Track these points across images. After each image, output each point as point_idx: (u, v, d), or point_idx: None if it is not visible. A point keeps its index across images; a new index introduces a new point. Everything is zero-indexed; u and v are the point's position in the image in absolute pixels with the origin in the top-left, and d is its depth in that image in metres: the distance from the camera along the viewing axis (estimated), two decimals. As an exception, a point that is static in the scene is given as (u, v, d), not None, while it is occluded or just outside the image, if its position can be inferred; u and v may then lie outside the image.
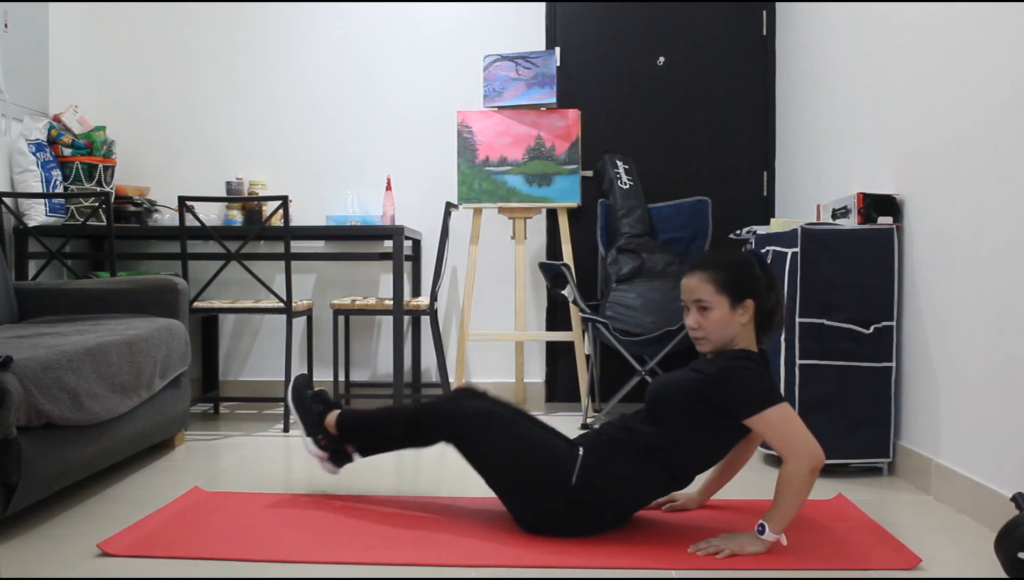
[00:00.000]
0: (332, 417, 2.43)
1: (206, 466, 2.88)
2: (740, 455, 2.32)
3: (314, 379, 4.24)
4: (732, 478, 2.37)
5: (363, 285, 4.30)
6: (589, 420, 3.65)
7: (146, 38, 4.32)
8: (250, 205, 3.95)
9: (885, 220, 2.78)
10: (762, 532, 1.96)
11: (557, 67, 4.12)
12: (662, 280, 3.68)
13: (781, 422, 1.96)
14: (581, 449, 2.10)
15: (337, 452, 2.45)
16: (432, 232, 4.26)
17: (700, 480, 2.41)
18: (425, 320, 4.23)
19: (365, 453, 2.44)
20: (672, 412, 2.06)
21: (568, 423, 3.63)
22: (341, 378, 4.23)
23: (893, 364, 2.74)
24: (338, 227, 3.78)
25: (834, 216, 2.99)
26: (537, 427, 2.24)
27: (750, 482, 2.70)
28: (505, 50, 4.23)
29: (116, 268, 3.51)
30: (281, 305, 3.55)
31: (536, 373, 4.27)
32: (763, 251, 3.00)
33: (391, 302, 3.74)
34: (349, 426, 2.41)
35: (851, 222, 2.83)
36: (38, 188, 3.55)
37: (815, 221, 3.09)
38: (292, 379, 2.54)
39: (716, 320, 2.06)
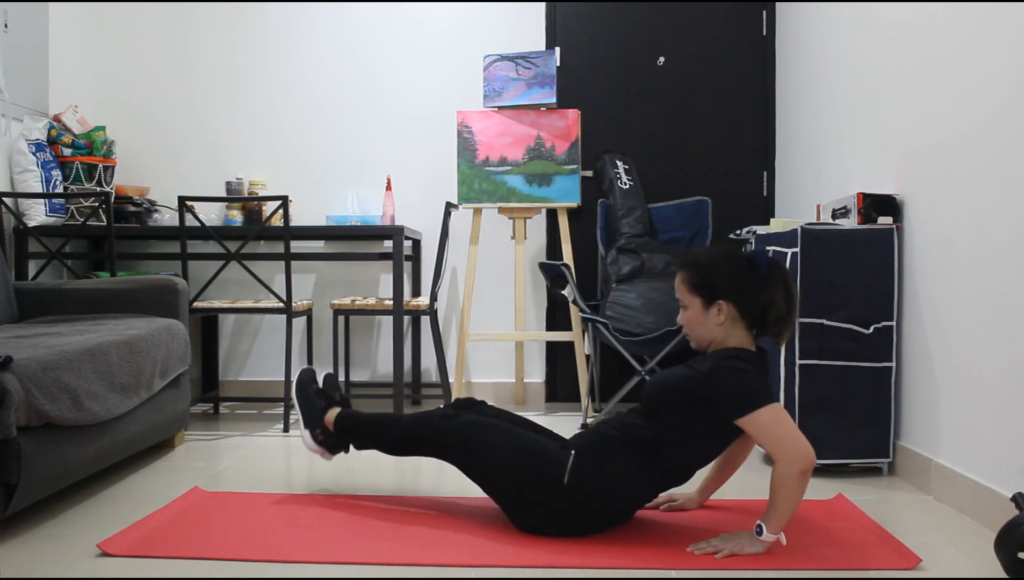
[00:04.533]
0: (332, 415, 2.49)
1: (206, 466, 2.88)
2: (738, 453, 2.32)
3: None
4: (730, 476, 2.37)
5: (363, 285, 4.30)
6: (589, 420, 3.65)
7: (146, 38, 4.32)
8: (250, 205, 3.95)
9: (885, 220, 2.78)
10: (760, 533, 1.96)
11: (557, 67, 4.12)
12: (662, 280, 3.68)
13: (771, 424, 1.95)
14: (573, 450, 2.10)
15: (333, 445, 2.52)
16: (432, 232, 4.26)
17: (699, 480, 2.41)
18: (425, 320, 4.23)
19: (359, 448, 2.50)
20: (666, 409, 2.07)
21: (568, 423, 3.63)
22: (341, 378, 4.23)
23: (893, 364, 2.74)
24: (338, 227, 3.78)
25: (834, 216, 2.99)
26: (531, 431, 2.26)
27: (750, 482, 2.70)
28: (505, 50, 4.23)
29: (116, 268, 3.51)
30: (281, 305, 3.55)
31: (536, 373, 4.27)
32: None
33: (391, 302, 3.74)
34: (346, 428, 2.47)
35: (851, 222, 2.83)
36: (38, 188, 3.55)
37: (815, 221, 3.09)
38: (299, 372, 2.59)
39: (691, 319, 2.13)
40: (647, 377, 3.54)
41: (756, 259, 2.09)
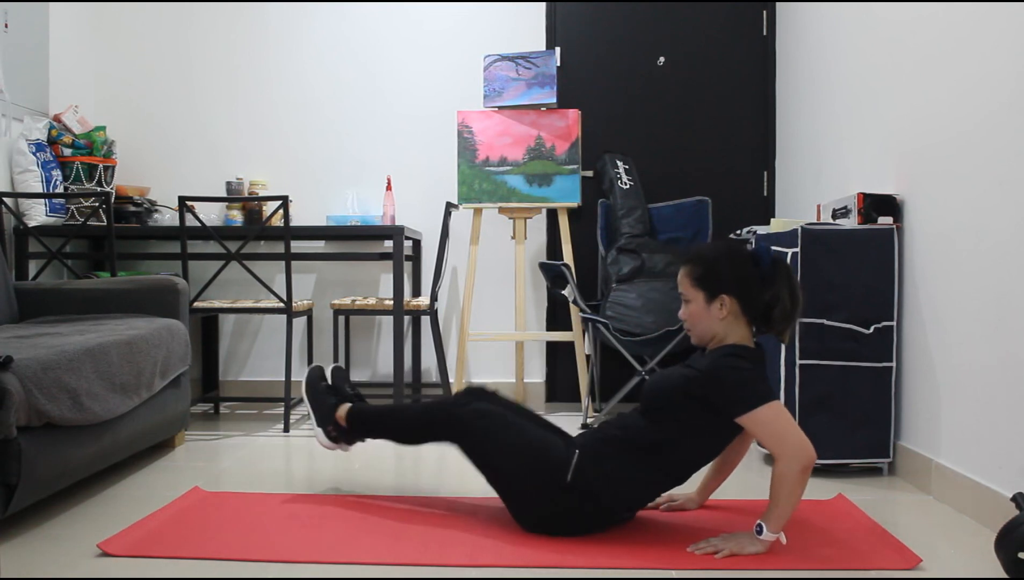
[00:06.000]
0: (343, 410, 2.51)
1: (206, 466, 2.88)
2: (735, 452, 2.33)
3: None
4: (729, 475, 2.37)
5: (363, 285, 4.30)
6: (589, 420, 3.65)
7: (146, 38, 4.32)
8: (250, 205, 3.95)
9: (885, 220, 2.78)
10: (760, 532, 1.96)
11: (557, 67, 4.11)
12: (662, 280, 3.68)
13: (771, 421, 1.95)
14: (577, 449, 2.10)
15: (348, 439, 2.56)
16: (432, 232, 4.26)
17: (698, 479, 2.41)
18: (425, 320, 4.23)
19: (372, 438, 2.54)
20: (666, 409, 2.07)
21: (568, 423, 3.62)
22: (341, 378, 4.23)
23: (893, 364, 2.74)
24: (338, 227, 3.78)
25: (834, 216, 2.99)
26: (539, 426, 2.27)
27: (750, 482, 2.70)
28: (505, 50, 4.23)
29: (116, 268, 3.51)
30: (281, 305, 3.55)
31: (536, 373, 4.26)
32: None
33: (391, 302, 3.74)
34: (357, 422, 2.50)
35: (851, 222, 2.83)
36: (38, 188, 3.55)
37: (815, 221, 3.09)
38: (307, 371, 2.61)
39: (693, 313, 2.12)
40: (647, 377, 3.54)
41: (760, 255, 2.09)
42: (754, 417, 1.96)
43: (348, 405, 2.53)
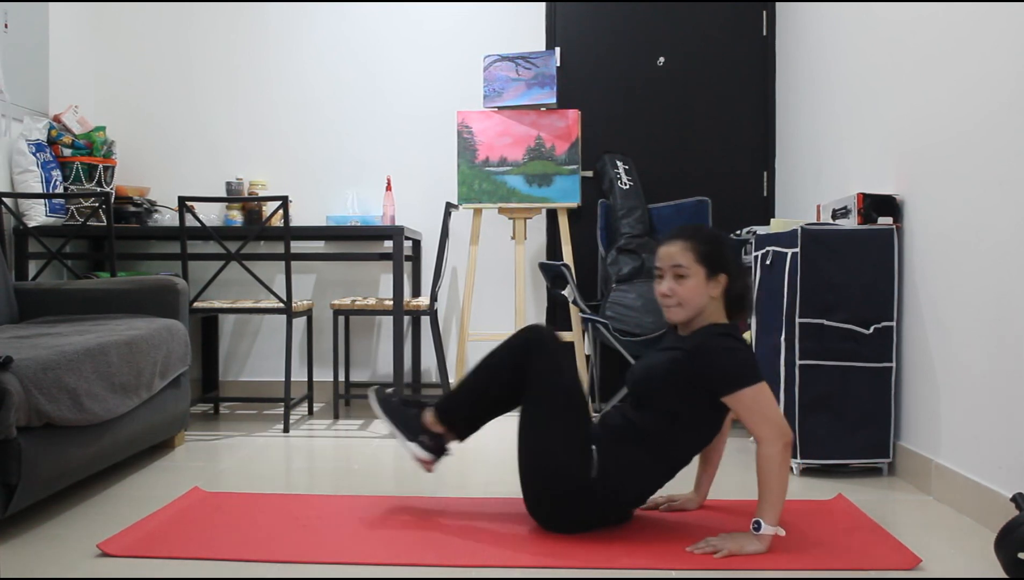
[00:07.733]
0: (429, 414, 2.30)
1: (206, 466, 2.88)
2: (719, 440, 2.34)
3: (314, 380, 4.24)
4: (717, 466, 2.38)
5: (363, 285, 4.30)
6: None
7: (146, 38, 4.32)
8: (250, 205, 3.95)
9: (885, 220, 2.78)
10: (758, 528, 1.97)
11: (557, 67, 4.11)
12: (662, 280, 3.68)
13: (757, 402, 1.98)
14: (594, 447, 2.10)
15: (439, 450, 2.32)
16: (432, 232, 4.26)
17: (691, 478, 2.41)
18: (425, 320, 4.23)
19: (464, 436, 2.32)
20: (656, 393, 2.08)
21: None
22: (341, 378, 4.23)
23: (893, 364, 2.74)
24: (338, 227, 3.78)
25: (834, 216, 2.99)
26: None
27: (750, 483, 2.70)
28: (505, 50, 4.23)
29: (116, 268, 3.52)
30: (281, 305, 3.55)
31: (536, 373, 4.26)
32: (764, 251, 3.00)
33: (391, 302, 3.74)
34: (450, 412, 2.29)
35: (851, 222, 2.82)
36: (38, 188, 3.55)
37: (815, 221, 3.09)
38: (373, 392, 2.38)
39: (691, 288, 2.10)
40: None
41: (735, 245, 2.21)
42: (740, 397, 1.99)
43: (430, 408, 2.31)
